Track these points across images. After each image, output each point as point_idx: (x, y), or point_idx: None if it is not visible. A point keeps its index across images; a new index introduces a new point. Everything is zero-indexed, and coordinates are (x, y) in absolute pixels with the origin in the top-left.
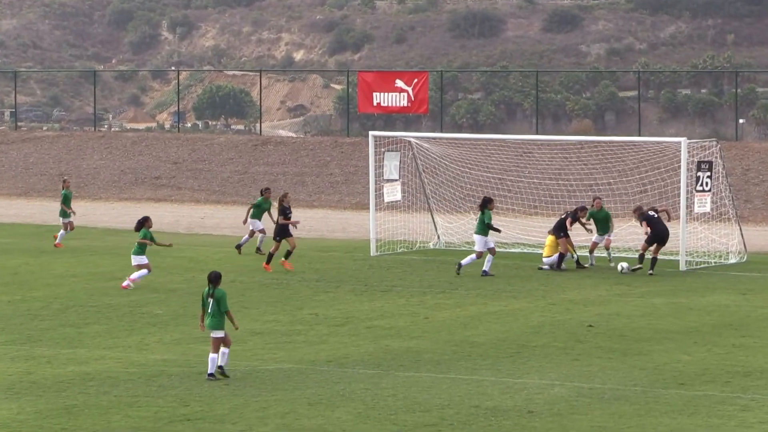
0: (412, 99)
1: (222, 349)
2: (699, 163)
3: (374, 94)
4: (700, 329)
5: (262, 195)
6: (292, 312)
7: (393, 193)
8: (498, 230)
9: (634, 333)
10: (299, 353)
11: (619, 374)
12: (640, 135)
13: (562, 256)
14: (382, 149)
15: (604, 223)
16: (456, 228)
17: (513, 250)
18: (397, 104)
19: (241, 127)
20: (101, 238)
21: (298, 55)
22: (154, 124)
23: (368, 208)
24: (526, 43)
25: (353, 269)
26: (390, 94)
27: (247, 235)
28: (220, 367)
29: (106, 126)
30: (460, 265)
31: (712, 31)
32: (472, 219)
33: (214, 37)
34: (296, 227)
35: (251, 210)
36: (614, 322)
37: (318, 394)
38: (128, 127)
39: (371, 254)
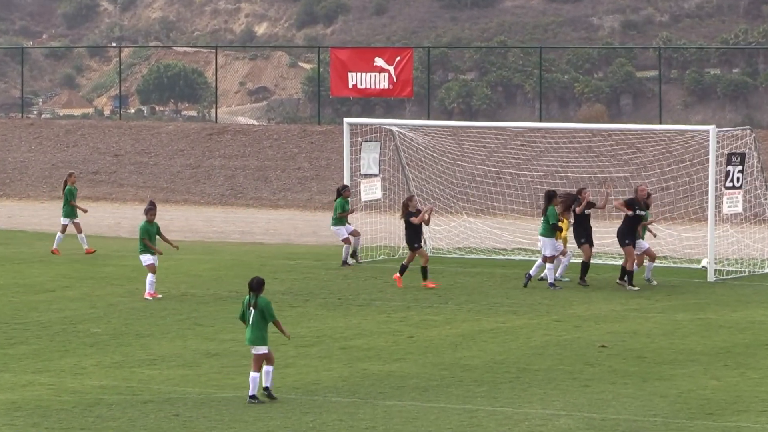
0: (394, 80)
1: (265, 367)
2: (729, 155)
3: (349, 74)
4: (731, 350)
5: (340, 195)
6: None
7: (372, 190)
8: (560, 229)
9: (654, 354)
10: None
11: (637, 403)
12: (661, 122)
13: (586, 266)
14: (359, 139)
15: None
16: (445, 231)
17: (513, 257)
18: (377, 86)
19: (193, 113)
20: (29, 243)
21: (261, 29)
22: (91, 110)
23: None
24: (527, 14)
25: (325, 280)
26: (368, 74)
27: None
28: (266, 388)
29: (35, 112)
30: (529, 277)
31: (744, 1)
32: (463, 221)
33: (162, 7)
34: (428, 217)
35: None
36: (631, 341)
37: (284, 426)
38: (61, 114)
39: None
